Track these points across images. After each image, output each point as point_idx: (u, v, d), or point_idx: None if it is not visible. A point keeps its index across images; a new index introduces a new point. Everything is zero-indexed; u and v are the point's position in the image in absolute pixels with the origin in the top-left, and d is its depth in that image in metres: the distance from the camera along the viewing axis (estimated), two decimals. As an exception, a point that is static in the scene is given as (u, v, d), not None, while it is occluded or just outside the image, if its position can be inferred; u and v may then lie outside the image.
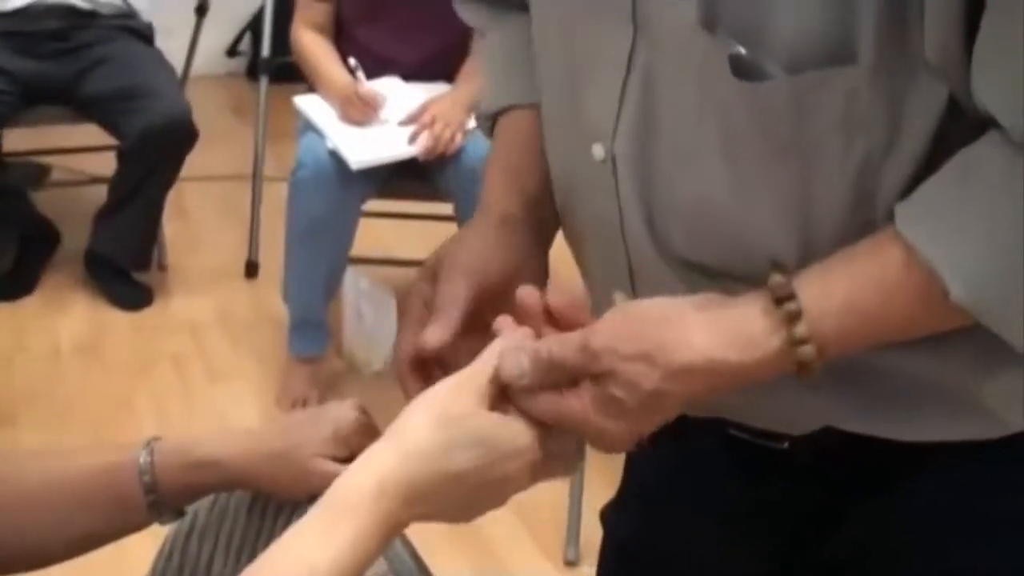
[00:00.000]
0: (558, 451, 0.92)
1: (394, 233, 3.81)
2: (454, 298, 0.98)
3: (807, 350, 0.83)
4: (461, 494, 0.87)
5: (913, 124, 0.82)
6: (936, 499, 0.97)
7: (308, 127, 3.15)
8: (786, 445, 1.01)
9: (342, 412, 1.20)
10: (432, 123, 3.04)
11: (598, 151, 0.95)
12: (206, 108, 4.59)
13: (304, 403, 3.10)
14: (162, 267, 3.80)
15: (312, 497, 1.14)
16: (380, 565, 1.19)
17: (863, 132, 0.82)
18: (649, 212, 0.93)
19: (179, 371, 3.30)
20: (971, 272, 0.79)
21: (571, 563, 2.60)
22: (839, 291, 0.83)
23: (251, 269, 3.80)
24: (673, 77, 0.88)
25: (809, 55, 0.79)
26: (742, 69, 0.83)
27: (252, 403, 3.16)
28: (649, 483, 1.22)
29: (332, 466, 1.15)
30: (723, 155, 0.88)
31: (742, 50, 0.82)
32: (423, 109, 3.08)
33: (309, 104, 3.19)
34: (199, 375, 3.29)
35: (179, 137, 3.45)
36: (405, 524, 0.87)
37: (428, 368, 1.00)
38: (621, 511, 1.26)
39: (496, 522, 2.70)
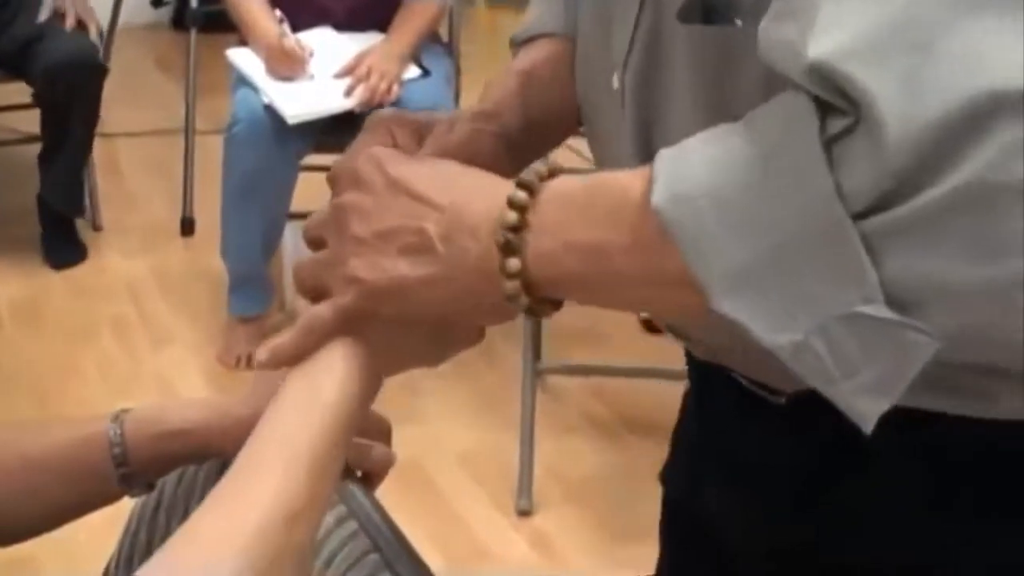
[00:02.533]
0: None
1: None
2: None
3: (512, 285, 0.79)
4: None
5: None
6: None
7: (242, 81, 3.11)
8: (783, 401, 0.99)
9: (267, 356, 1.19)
10: (368, 75, 3.01)
11: (615, 80, 0.95)
12: (132, 61, 4.55)
13: (248, 360, 3.09)
14: (96, 226, 3.75)
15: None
16: (338, 509, 1.19)
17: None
18: (646, 146, 0.93)
19: (120, 335, 3.27)
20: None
21: (524, 512, 2.61)
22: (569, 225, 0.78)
23: (187, 226, 3.76)
24: (670, 16, 0.88)
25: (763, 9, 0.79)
26: (709, 14, 0.83)
27: (195, 363, 3.14)
28: (687, 440, 1.22)
29: None
30: (692, 102, 0.88)
31: None
32: (358, 61, 3.05)
33: (242, 58, 3.15)
34: (141, 337, 3.26)
35: (85, 72, 3.41)
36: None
37: None
38: (671, 469, 1.26)
39: (446, 474, 2.72)
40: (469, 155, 0.93)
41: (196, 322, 3.31)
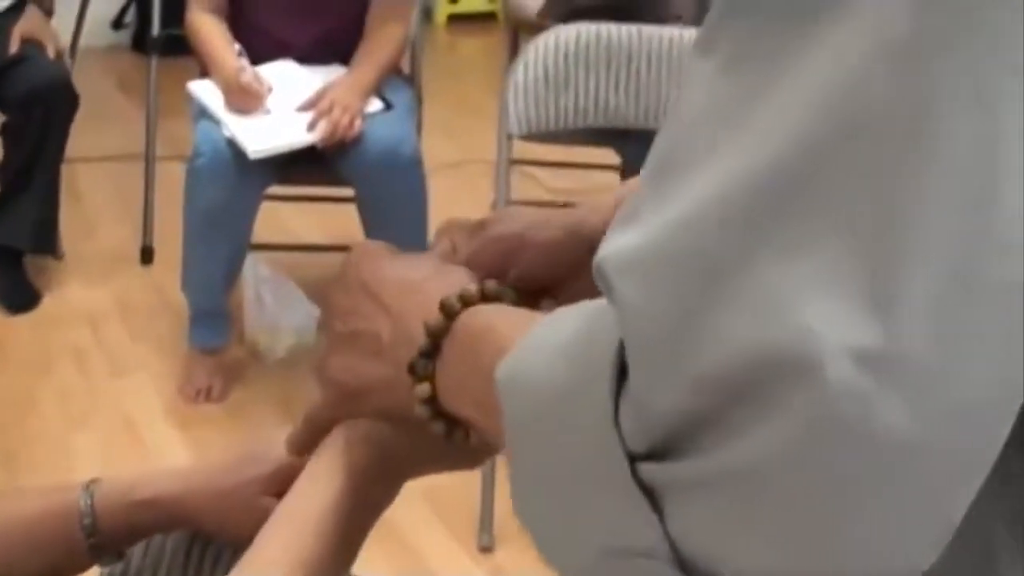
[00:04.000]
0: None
1: (295, 217, 3.79)
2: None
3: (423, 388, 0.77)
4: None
5: None
6: None
7: (203, 113, 3.11)
8: None
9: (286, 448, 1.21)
10: (330, 109, 3.02)
11: None
12: (93, 82, 4.53)
13: (208, 392, 3.09)
14: (56, 255, 3.74)
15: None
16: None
17: None
18: None
19: (80, 366, 3.26)
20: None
21: (485, 549, 2.63)
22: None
23: (146, 255, 3.76)
24: None
25: None
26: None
27: (156, 395, 3.14)
28: None
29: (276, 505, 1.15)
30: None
31: None
32: (320, 95, 3.06)
33: (203, 90, 3.15)
34: (101, 369, 3.25)
35: (61, 100, 3.38)
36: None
37: None
38: None
39: (408, 509, 2.73)
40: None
41: (157, 352, 3.31)
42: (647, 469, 0.54)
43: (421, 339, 0.76)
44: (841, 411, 0.48)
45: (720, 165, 0.52)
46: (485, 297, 0.79)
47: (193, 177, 3.01)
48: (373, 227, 3.13)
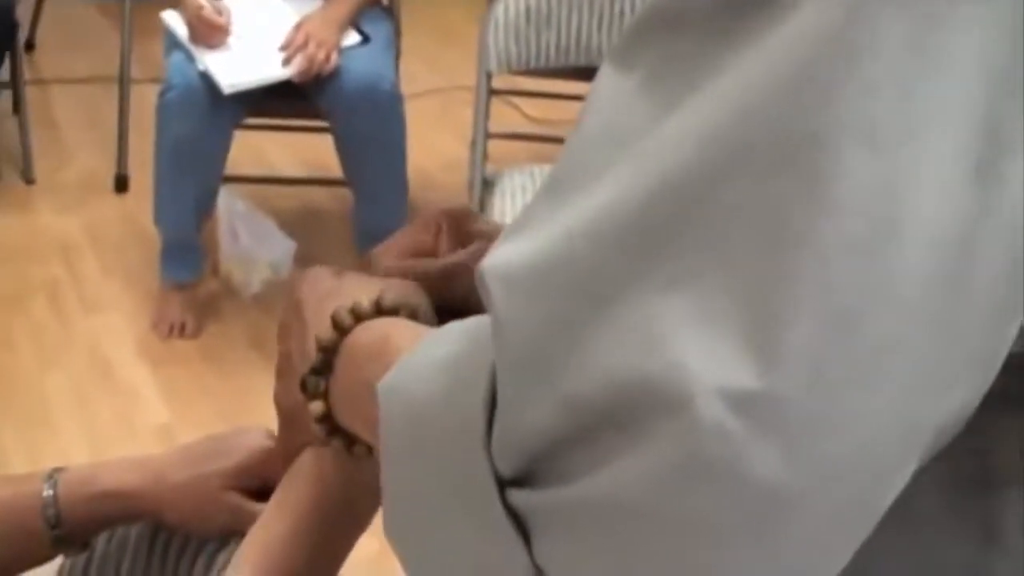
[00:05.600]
0: None
1: (272, 146, 3.74)
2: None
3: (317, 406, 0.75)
4: None
5: None
6: None
7: (176, 44, 3.06)
8: None
9: (251, 440, 1.18)
10: (305, 43, 2.97)
11: None
12: (70, 2, 4.45)
13: (182, 328, 3.07)
14: (29, 180, 3.69)
15: (223, 534, 1.15)
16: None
17: None
18: None
19: (53, 302, 3.22)
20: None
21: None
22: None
23: (121, 183, 3.70)
24: None
25: None
26: None
27: (128, 332, 3.11)
28: None
29: (241, 501, 1.14)
30: None
31: None
32: (296, 29, 3.00)
33: (178, 21, 3.08)
34: (73, 305, 3.21)
35: None
36: None
37: None
38: None
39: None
40: None
41: (130, 287, 3.27)
42: (515, 495, 0.52)
43: (313, 355, 0.74)
44: (709, 452, 0.45)
45: (612, 186, 0.50)
46: (381, 311, 0.76)
47: (164, 111, 2.97)
48: (350, 163, 3.10)
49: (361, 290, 0.79)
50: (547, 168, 2.84)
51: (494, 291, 0.52)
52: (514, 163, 3.58)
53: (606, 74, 0.54)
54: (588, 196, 0.51)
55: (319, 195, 3.58)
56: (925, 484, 0.53)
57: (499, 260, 0.53)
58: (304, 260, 3.25)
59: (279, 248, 3.22)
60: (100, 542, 1.21)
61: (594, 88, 0.55)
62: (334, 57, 2.98)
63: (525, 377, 0.50)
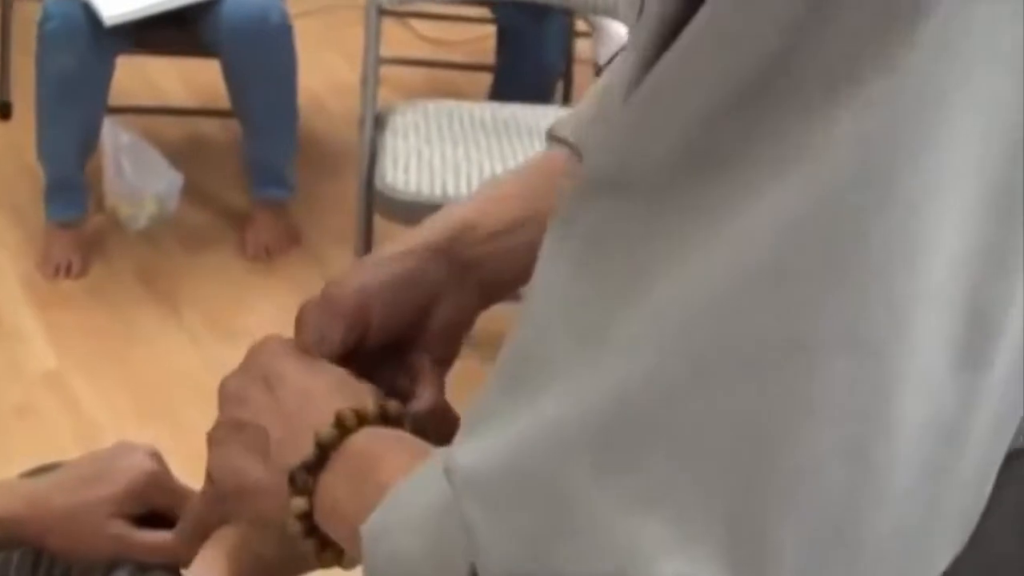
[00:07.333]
0: None
1: (160, 72, 3.62)
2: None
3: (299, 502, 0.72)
4: None
5: None
6: None
7: (55, -29, 2.94)
8: None
9: (135, 462, 1.14)
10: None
11: None
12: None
13: (68, 268, 2.98)
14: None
15: (108, 562, 1.11)
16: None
17: None
18: None
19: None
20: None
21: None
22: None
23: (3, 110, 3.57)
24: None
25: None
26: None
27: (14, 271, 3.01)
28: None
29: (125, 530, 1.10)
30: None
31: None
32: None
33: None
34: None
35: None
36: None
37: None
38: None
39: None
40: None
41: (15, 224, 3.16)
42: None
43: (308, 449, 0.71)
44: None
45: (574, 393, 0.47)
46: (385, 418, 0.74)
47: (43, 43, 2.86)
48: (238, 96, 3.02)
49: (345, 393, 0.76)
50: (441, 104, 2.79)
51: (462, 498, 0.51)
52: (409, 89, 3.52)
53: (550, 244, 0.51)
54: (546, 394, 0.48)
55: (208, 126, 3.48)
56: None
57: (466, 461, 0.52)
58: (192, 193, 3.18)
59: (166, 181, 3.14)
60: (-27, 572, 1.17)
61: (540, 261, 0.52)
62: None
63: None
